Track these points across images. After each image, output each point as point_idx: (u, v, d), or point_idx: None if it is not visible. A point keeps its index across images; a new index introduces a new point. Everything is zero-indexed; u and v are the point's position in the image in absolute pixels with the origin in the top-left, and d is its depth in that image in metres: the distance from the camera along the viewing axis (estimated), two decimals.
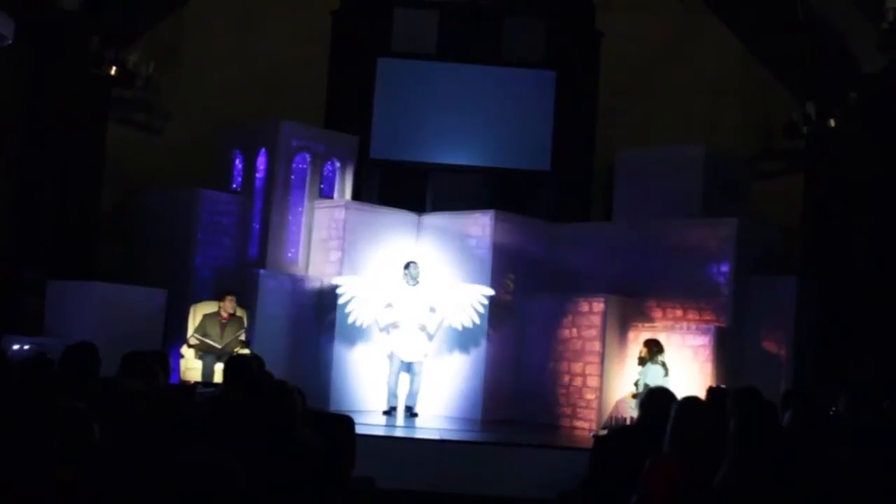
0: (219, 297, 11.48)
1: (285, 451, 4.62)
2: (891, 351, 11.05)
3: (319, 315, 12.41)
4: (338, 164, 13.43)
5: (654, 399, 5.41)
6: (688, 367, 11.25)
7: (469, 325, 12.16)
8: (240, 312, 11.41)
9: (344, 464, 5.80)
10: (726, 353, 11.39)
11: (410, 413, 11.90)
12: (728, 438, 4.30)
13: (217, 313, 11.27)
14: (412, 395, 12.03)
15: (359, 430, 6.86)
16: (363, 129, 14.38)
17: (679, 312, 12.02)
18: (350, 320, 12.08)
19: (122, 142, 13.56)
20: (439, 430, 10.92)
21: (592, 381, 11.75)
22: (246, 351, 10.85)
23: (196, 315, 11.56)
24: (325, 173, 13.33)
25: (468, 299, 12.14)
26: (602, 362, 11.72)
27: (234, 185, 13.27)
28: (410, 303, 12.02)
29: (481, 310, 12.15)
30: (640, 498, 4.44)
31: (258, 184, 13.00)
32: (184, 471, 3.24)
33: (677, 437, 4.55)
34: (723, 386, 8.74)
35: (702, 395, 7.94)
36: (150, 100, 13.85)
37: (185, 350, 11.29)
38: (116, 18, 12.91)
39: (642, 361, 10.83)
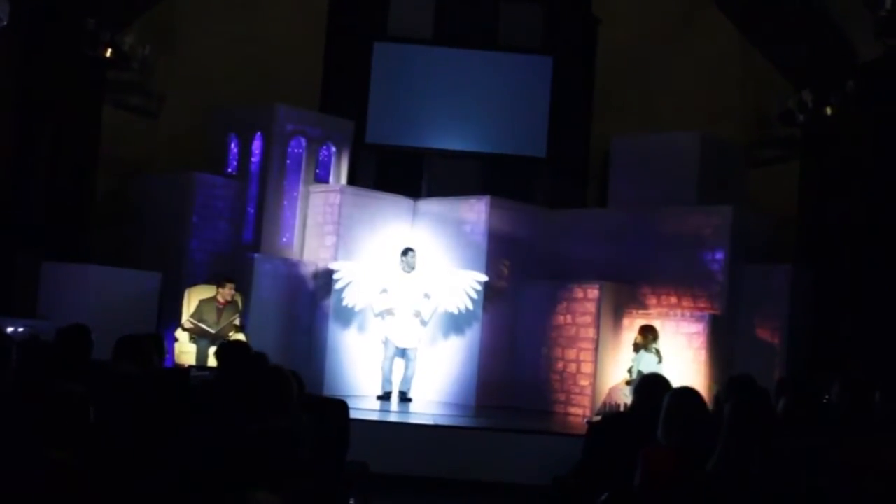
0: (215, 281, 11.49)
1: (280, 436, 4.64)
2: (884, 340, 11.07)
3: (314, 300, 12.42)
4: (333, 149, 13.41)
5: (649, 386, 5.42)
6: (682, 355, 11.28)
7: (463, 310, 12.18)
8: (236, 297, 11.41)
9: (338, 448, 5.81)
10: (720, 340, 11.41)
11: (404, 398, 11.93)
12: (721, 425, 4.32)
13: (214, 298, 11.27)
14: (406, 380, 12.05)
15: (353, 414, 6.86)
16: (359, 113, 14.38)
17: (673, 300, 12.04)
18: (344, 303, 12.10)
19: (117, 125, 13.53)
20: (433, 415, 10.95)
21: (586, 368, 11.77)
22: (241, 336, 10.88)
23: (191, 298, 11.56)
24: (320, 157, 13.31)
25: (462, 285, 12.15)
26: (596, 349, 11.74)
27: (230, 169, 13.26)
28: (405, 289, 12.03)
29: (475, 295, 12.16)
30: (638, 487, 4.47)
31: (253, 168, 12.99)
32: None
33: (670, 426, 4.57)
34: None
35: (698, 383, 7.98)
36: (146, 83, 13.81)
37: (179, 333, 11.30)
38: (112, 0, 12.86)
39: (637, 348, 10.85)
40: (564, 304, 12.12)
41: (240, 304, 11.45)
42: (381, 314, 12.14)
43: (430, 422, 10.40)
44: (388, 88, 14.76)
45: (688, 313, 11.63)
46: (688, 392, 4.80)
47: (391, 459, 8.80)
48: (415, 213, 13.19)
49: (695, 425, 4.49)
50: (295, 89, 14.17)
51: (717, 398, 6.32)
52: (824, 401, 6.04)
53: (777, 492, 3.98)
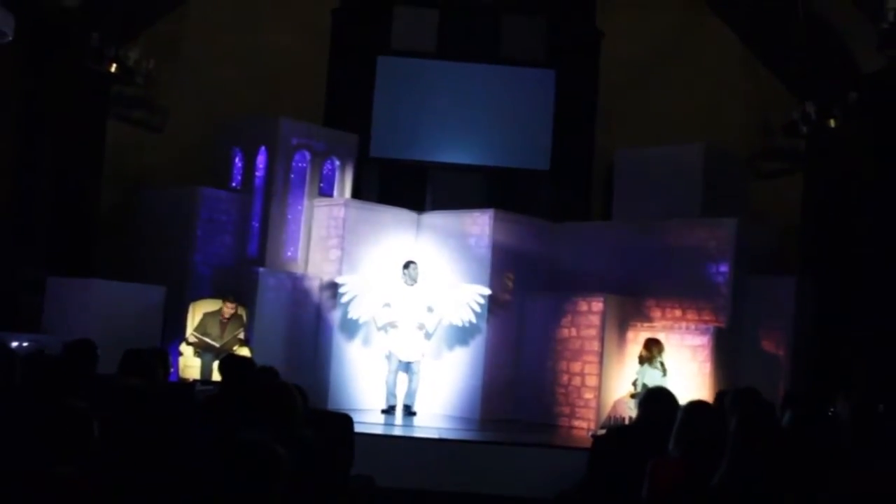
0: (219, 296, 11.52)
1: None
2: (889, 351, 11.05)
3: (318, 314, 12.41)
4: (337, 163, 13.42)
5: (654, 399, 5.42)
6: (686, 368, 11.26)
7: (467, 323, 12.17)
8: (240, 311, 11.42)
9: (343, 462, 5.80)
10: (725, 353, 11.39)
11: (409, 412, 11.91)
12: (727, 439, 4.31)
13: (218, 312, 11.29)
14: (410, 394, 12.03)
15: (357, 428, 6.85)
16: (363, 127, 14.40)
17: (678, 312, 12.02)
18: (349, 317, 12.10)
19: (121, 139, 13.55)
20: (438, 429, 10.92)
21: (591, 381, 11.75)
22: (245, 350, 10.87)
23: (195, 313, 11.57)
24: (324, 171, 13.32)
25: (466, 298, 12.14)
26: (601, 362, 11.72)
27: (234, 183, 13.27)
28: (409, 302, 12.02)
29: (479, 309, 12.15)
30: (645, 499, 4.46)
31: (258, 182, 13.00)
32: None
33: (682, 439, 4.56)
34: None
35: (702, 395, 7.96)
36: (150, 97, 13.83)
37: (183, 347, 11.30)
38: (117, 15, 12.89)
39: (643, 361, 10.84)
40: (569, 317, 12.10)
41: (244, 318, 11.46)
42: (384, 328, 12.13)
43: (434, 435, 10.38)
44: (392, 102, 14.78)
45: (692, 326, 11.61)
46: (702, 405, 4.80)
47: (396, 473, 8.77)
48: (419, 226, 13.19)
49: (707, 438, 4.49)
50: (299, 103, 14.19)
51: (721, 399, 6.30)
52: (829, 413, 6.03)
53: None
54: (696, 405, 4.78)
